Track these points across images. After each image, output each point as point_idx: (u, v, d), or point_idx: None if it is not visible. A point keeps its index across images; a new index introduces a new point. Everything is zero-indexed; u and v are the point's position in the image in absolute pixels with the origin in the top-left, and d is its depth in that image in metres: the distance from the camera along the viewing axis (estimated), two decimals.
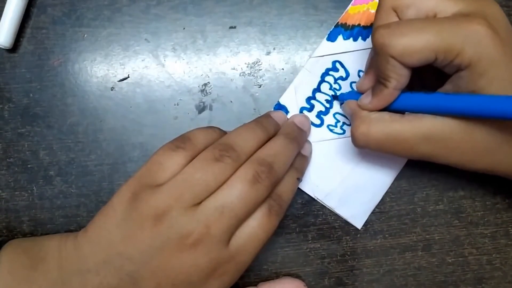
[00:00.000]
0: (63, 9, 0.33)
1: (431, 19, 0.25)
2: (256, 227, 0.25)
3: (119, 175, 0.33)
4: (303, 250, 0.33)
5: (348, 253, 0.33)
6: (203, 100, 0.33)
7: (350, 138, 0.28)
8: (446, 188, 0.33)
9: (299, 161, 0.30)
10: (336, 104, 0.33)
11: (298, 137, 0.29)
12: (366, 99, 0.27)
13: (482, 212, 0.33)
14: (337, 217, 0.33)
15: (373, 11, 0.32)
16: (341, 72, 0.33)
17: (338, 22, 0.33)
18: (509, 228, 0.33)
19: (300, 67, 0.33)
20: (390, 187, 0.33)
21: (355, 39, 0.32)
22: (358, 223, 0.33)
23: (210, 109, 0.33)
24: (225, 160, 0.25)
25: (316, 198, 0.32)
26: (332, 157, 0.32)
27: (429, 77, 0.28)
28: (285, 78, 0.33)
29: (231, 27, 0.33)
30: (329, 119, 0.33)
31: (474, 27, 0.23)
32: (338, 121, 0.32)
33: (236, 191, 0.24)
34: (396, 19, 0.26)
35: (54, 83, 0.33)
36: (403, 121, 0.26)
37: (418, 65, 0.24)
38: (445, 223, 0.33)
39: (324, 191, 0.32)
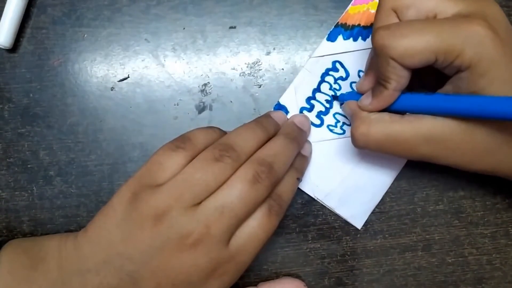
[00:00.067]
0: (63, 9, 0.33)
1: (431, 20, 0.25)
2: (256, 227, 0.25)
3: (119, 175, 0.33)
4: (303, 250, 0.33)
5: (348, 253, 0.33)
6: (203, 100, 0.33)
7: (350, 138, 0.28)
8: (446, 188, 0.33)
9: (299, 161, 0.30)
10: (336, 104, 0.33)
11: (298, 137, 0.29)
12: (366, 100, 0.27)
13: (482, 212, 0.33)
14: (337, 217, 0.33)
15: (373, 11, 0.32)
16: (341, 72, 0.33)
17: (338, 22, 0.33)
18: (509, 228, 0.33)
19: (300, 67, 0.33)
20: (390, 187, 0.33)
21: (355, 39, 0.32)
22: (358, 223, 0.33)
23: (210, 109, 0.33)
24: (225, 160, 0.25)
25: (316, 198, 0.32)
26: (332, 157, 0.32)
27: (429, 78, 0.28)
28: (285, 78, 0.33)
29: (231, 27, 0.33)
30: (329, 119, 0.33)
31: (474, 28, 0.23)
32: (338, 121, 0.32)
33: (236, 191, 0.24)
34: (396, 19, 0.26)
35: (54, 83, 0.33)
36: (403, 122, 0.26)
37: (418, 67, 0.24)
38: (445, 223, 0.33)
39: (324, 191, 0.32)
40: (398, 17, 0.26)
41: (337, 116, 0.33)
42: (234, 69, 0.33)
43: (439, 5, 0.25)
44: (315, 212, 0.33)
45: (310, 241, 0.33)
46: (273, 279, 0.32)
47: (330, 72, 0.33)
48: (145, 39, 0.33)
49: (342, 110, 0.32)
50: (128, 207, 0.25)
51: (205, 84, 0.33)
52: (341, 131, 0.32)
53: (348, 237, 0.33)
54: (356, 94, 0.30)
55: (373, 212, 0.33)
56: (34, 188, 0.32)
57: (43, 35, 0.33)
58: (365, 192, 0.32)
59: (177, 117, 0.33)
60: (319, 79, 0.33)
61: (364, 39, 0.32)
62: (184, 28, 0.33)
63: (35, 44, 0.33)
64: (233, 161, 0.25)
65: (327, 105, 0.33)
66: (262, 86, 0.33)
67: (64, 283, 0.25)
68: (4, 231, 0.32)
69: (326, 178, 0.32)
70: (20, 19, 0.32)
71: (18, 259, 0.26)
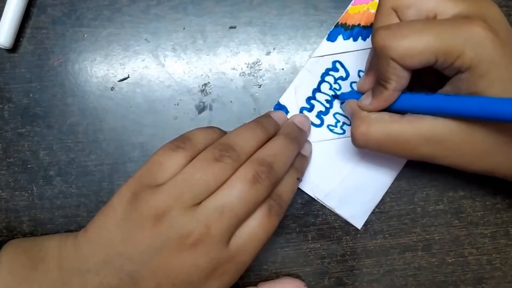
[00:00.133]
0: (63, 9, 0.33)
1: (431, 21, 0.25)
2: (256, 227, 0.25)
3: (119, 175, 0.33)
4: (303, 250, 0.33)
5: (348, 253, 0.33)
6: (203, 100, 0.33)
7: (350, 138, 0.28)
8: (446, 188, 0.33)
9: (299, 161, 0.30)
10: (336, 104, 0.33)
11: (298, 137, 0.29)
12: (366, 100, 0.27)
13: (482, 212, 0.33)
14: (337, 217, 0.33)
15: (373, 11, 0.32)
16: (341, 72, 0.33)
17: (338, 22, 0.33)
18: (509, 228, 0.33)
19: (300, 67, 0.33)
20: (390, 187, 0.33)
21: (355, 39, 0.32)
22: (358, 223, 0.33)
23: (210, 109, 0.33)
24: (225, 160, 0.25)
25: (316, 198, 0.32)
26: (332, 157, 0.32)
27: (429, 78, 0.28)
28: (285, 78, 0.33)
29: (231, 27, 0.33)
30: (329, 119, 0.33)
31: (474, 29, 0.23)
32: (338, 121, 0.32)
33: (236, 191, 0.24)
34: (396, 19, 0.26)
35: (54, 83, 0.33)
36: (403, 122, 0.26)
37: (419, 67, 0.24)
38: (445, 223, 0.33)
39: (324, 191, 0.32)
40: (398, 16, 0.26)
41: (337, 116, 0.33)
42: (234, 69, 0.33)
43: (439, 5, 0.25)
44: (315, 212, 0.33)
45: (310, 241, 0.33)
46: (273, 279, 0.32)
47: (330, 72, 0.33)
48: (145, 39, 0.33)
49: (343, 109, 0.32)
50: (128, 207, 0.25)
51: (205, 84, 0.33)
52: (341, 131, 0.32)
53: (348, 237, 0.33)
54: (356, 93, 0.30)
55: (373, 212, 0.33)
56: (34, 188, 0.32)
57: (43, 35, 0.33)
58: (365, 192, 0.32)
59: (177, 117, 0.33)
60: (319, 79, 0.33)
61: (364, 39, 0.32)
62: (184, 28, 0.33)
63: (35, 44, 0.33)
64: (233, 161, 0.25)
65: (327, 105, 0.33)
66: (262, 86, 0.33)
67: (64, 283, 0.25)
68: (4, 231, 0.32)
69: (326, 178, 0.32)
70: (20, 19, 0.32)
71: (18, 259, 0.26)
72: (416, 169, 0.33)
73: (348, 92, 0.32)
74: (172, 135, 0.27)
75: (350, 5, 0.33)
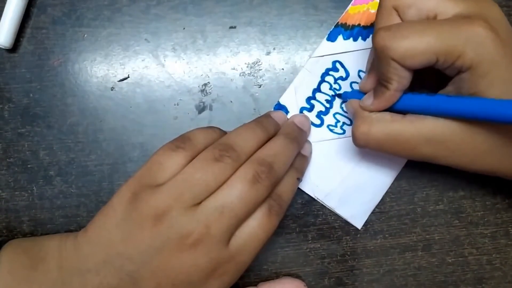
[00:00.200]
0: (63, 9, 0.33)
1: (432, 21, 0.25)
2: (256, 227, 0.25)
3: (119, 175, 0.33)
4: (303, 250, 0.33)
5: (348, 253, 0.33)
6: (203, 100, 0.33)
7: (350, 138, 0.28)
8: (446, 188, 0.33)
9: (299, 161, 0.30)
10: (336, 104, 0.33)
11: (298, 137, 0.29)
12: (367, 100, 0.27)
13: (482, 212, 0.33)
14: (337, 217, 0.33)
15: (373, 11, 0.32)
16: (341, 72, 0.33)
17: (338, 22, 0.33)
18: (509, 228, 0.33)
19: (300, 67, 0.33)
20: (390, 187, 0.33)
21: (355, 39, 0.32)
22: (358, 223, 0.33)
23: (210, 109, 0.33)
24: (225, 160, 0.25)
25: (316, 198, 0.32)
26: (332, 157, 0.32)
27: (430, 78, 0.28)
28: (285, 78, 0.33)
29: (231, 27, 0.33)
30: (329, 119, 0.33)
31: (475, 29, 0.23)
32: (338, 121, 0.32)
33: (236, 191, 0.24)
34: (397, 18, 0.26)
35: (54, 83, 0.33)
36: (404, 122, 0.26)
37: (420, 68, 0.24)
38: (445, 223, 0.33)
39: (324, 191, 0.32)
40: (399, 15, 0.26)
41: (337, 116, 0.33)
42: (234, 69, 0.33)
43: (440, 5, 0.25)
44: (315, 212, 0.33)
45: (310, 241, 0.33)
46: (273, 279, 0.32)
47: (330, 72, 0.33)
48: (145, 39, 0.33)
49: (345, 108, 0.32)
50: (128, 207, 0.25)
51: (205, 84, 0.33)
52: (341, 131, 0.32)
53: (348, 237, 0.33)
54: (359, 93, 0.30)
55: (373, 212, 0.33)
56: (34, 188, 0.32)
57: (43, 35, 0.33)
58: (365, 192, 0.32)
59: (177, 117, 0.33)
60: (319, 79, 0.33)
61: (364, 39, 0.32)
62: (184, 28, 0.33)
63: (35, 44, 0.33)
64: (233, 161, 0.25)
65: (327, 105, 0.33)
66: (262, 86, 0.33)
67: (64, 283, 0.25)
68: (4, 231, 0.32)
69: (326, 178, 0.32)
70: (20, 19, 0.32)
71: (18, 259, 0.26)
72: (416, 169, 0.33)
73: (351, 91, 0.32)
74: (172, 135, 0.27)
75: (350, 5, 0.33)
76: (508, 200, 0.33)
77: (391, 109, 0.27)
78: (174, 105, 0.33)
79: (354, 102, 0.29)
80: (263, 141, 0.27)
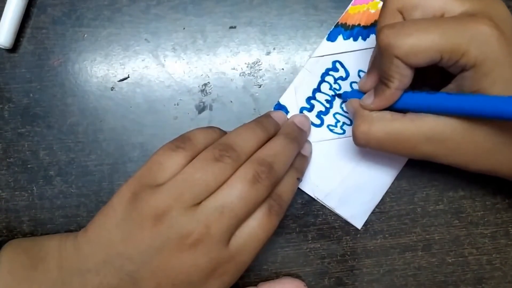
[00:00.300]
0: (63, 9, 0.33)
1: (436, 19, 0.24)
2: (256, 227, 0.25)
3: (119, 175, 0.33)
4: (303, 250, 0.33)
5: (348, 253, 0.33)
6: (203, 100, 0.33)
7: (350, 138, 0.28)
8: (446, 188, 0.33)
9: (299, 161, 0.30)
10: (336, 104, 0.33)
11: (298, 137, 0.29)
12: (368, 99, 0.27)
13: (482, 212, 0.33)
14: (337, 217, 0.33)
15: (373, 11, 0.32)
16: (341, 72, 0.33)
17: (338, 22, 0.33)
18: (509, 228, 0.33)
19: (300, 67, 0.33)
20: (390, 187, 0.33)
21: (355, 39, 0.32)
22: (358, 223, 0.33)
23: (210, 109, 0.33)
24: (225, 160, 0.25)
25: (316, 198, 0.32)
26: (332, 157, 0.32)
27: (433, 76, 0.28)
28: (285, 78, 0.33)
29: (231, 27, 0.33)
30: (329, 119, 0.33)
31: (480, 27, 0.23)
32: (338, 121, 0.32)
33: (236, 191, 0.24)
34: (401, 20, 0.26)
35: (54, 83, 0.33)
36: (405, 120, 0.26)
37: (423, 65, 0.24)
38: (445, 223, 0.33)
39: (324, 191, 0.32)
40: (403, 18, 0.26)
41: (337, 116, 0.33)
42: (234, 69, 0.33)
43: (447, 5, 0.25)
44: (315, 212, 0.33)
45: (310, 241, 0.33)
46: (273, 279, 0.32)
47: (330, 72, 0.33)
48: (145, 39, 0.33)
49: (345, 107, 0.32)
50: (128, 207, 0.25)
51: (205, 84, 0.33)
52: (341, 131, 0.32)
53: (348, 237, 0.33)
54: (359, 93, 0.30)
55: (373, 212, 0.33)
56: (34, 188, 0.32)
57: (43, 35, 0.33)
58: (365, 192, 0.32)
59: (177, 117, 0.33)
60: (319, 79, 0.33)
61: (364, 39, 0.32)
62: (184, 28, 0.33)
63: (35, 44, 0.33)
64: (233, 161, 0.25)
65: (327, 105, 0.33)
66: (262, 86, 0.33)
67: (64, 283, 0.25)
68: (4, 231, 0.32)
69: (326, 178, 0.32)
70: (20, 19, 0.32)
71: (18, 259, 0.26)
72: (416, 168, 0.33)
73: (351, 91, 0.32)
74: (172, 135, 0.27)
75: (350, 5, 0.33)
76: (508, 200, 0.33)
77: (391, 108, 0.27)
78: (174, 105, 0.33)
79: (354, 101, 0.29)
80: (263, 141, 0.27)
